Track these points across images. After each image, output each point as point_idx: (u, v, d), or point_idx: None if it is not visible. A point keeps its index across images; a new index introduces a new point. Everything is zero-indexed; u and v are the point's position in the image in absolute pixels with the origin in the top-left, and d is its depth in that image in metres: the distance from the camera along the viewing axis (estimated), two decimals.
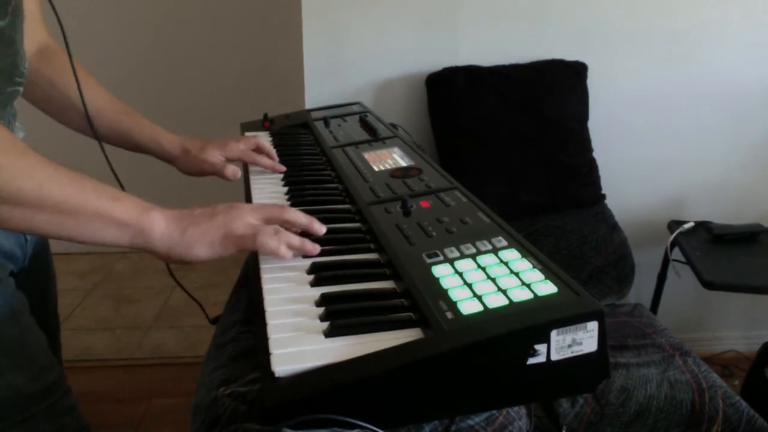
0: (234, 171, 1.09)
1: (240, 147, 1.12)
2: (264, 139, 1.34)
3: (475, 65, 1.82)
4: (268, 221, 0.76)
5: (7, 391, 0.77)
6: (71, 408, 0.86)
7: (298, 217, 0.78)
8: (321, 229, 0.79)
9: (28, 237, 0.89)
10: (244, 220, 0.73)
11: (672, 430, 1.20)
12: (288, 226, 0.78)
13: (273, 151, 1.17)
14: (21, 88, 0.83)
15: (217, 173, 1.09)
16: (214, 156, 1.10)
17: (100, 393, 2.05)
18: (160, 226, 0.70)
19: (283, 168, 1.13)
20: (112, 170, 1.02)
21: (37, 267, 0.94)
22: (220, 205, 0.75)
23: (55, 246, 1.00)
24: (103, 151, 1.00)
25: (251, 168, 1.15)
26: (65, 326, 2.39)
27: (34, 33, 0.97)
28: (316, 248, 0.77)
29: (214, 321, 0.98)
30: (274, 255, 0.74)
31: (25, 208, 0.65)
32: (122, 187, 1.01)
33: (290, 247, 0.75)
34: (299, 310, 0.67)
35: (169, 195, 2.73)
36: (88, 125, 1.00)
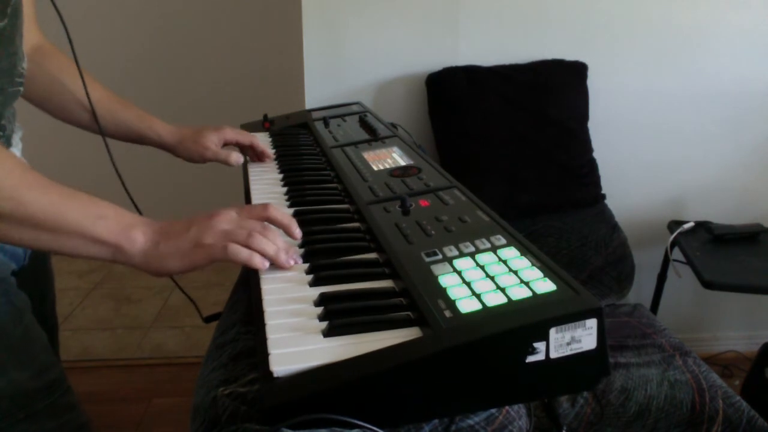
0: (237, 157, 1.13)
1: (236, 130, 1.17)
2: (264, 139, 1.34)
3: (475, 65, 1.82)
4: (250, 218, 0.75)
5: (10, 389, 0.78)
6: (72, 405, 0.87)
7: (281, 216, 0.77)
8: (297, 233, 0.78)
9: None
10: (218, 228, 0.72)
11: (672, 430, 1.20)
12: (271, 222, 0.77)
13: (265, 150, 1.20)
14: (21, 88, 0.83)
15: (220, 160, 1.13)
16: (213, 142, 1.13)
17: (100, 393, 2.05)
18: (139, 242, 0.71)
19: (270, 156, 1.20)
20: (114, 165, 1.02)
21: (36, 266, 0.95)
22: (200, 216, 0.74)
23: None
24: (107, 145, 1.01)
25: (251, 169, 1.16)
26: (65, 326, 2.39)
27: (29, 33, 0.97)
28: (290, 263, 0.75)
29: (207, 319, 0.98)
30: (248, 265, 0.73)
31: (9, 225, 0.66)
32: (123, 184, 1.02)
33: (264, 255, 0.73)
34: (298, 310, 0.67)
35: (170, 190, 2.74)
36: (89, 120, 1.01)
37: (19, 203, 0.66)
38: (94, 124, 1.02)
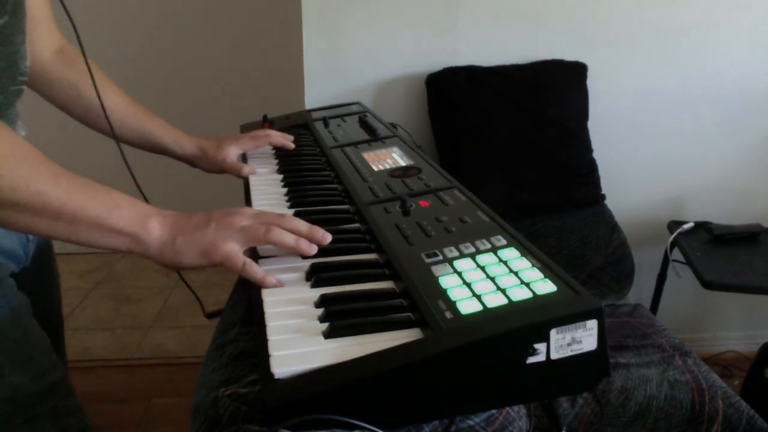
0: (250, 169, 1.14)
1: (252, 139, 1.18)
2: None
3: (475, 65, 1.82)
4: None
5: (9, 392, 0.77)
6: (75, 408, 0.86)
7: (298, 224, 0.75)
8: (324, 237, 0.76)
9: (31, 236, 0.90)
10: (236, 227, 0.72)
11: (672, 430, 1.20)
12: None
13: (285, 142, 1.20)
14: (24, 87, 0.83)
15: (234, 172, 1.14)
16: (232, 154, 1.14)
17: (100, 393, 2.05)
18: (155, 233, 0.71)
19: (292, 145, 1.20)
20: (129, 169, 1.02)
21: (40, 266, 0.94)
22: (217, 211, 0.74)
23: (55, 246, 1.00)
24: (121, 152, 1.00)
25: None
26: (65, 326, 2.39)
27: (50, 35, 0.98)
28: (313, 248, 0.75)
29: (209, 316, 0.98)
30: (261, 284, 0.72)
31: (26, 214, 0.66)
32: (136, 183, 1.02)
33: (284, 245, 0.73)
34: (298, 311, 0.67)
35: (178, 191, 2.75)
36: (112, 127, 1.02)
37: (36, 192, 0.65)
38: (111, 132, 1.03)
